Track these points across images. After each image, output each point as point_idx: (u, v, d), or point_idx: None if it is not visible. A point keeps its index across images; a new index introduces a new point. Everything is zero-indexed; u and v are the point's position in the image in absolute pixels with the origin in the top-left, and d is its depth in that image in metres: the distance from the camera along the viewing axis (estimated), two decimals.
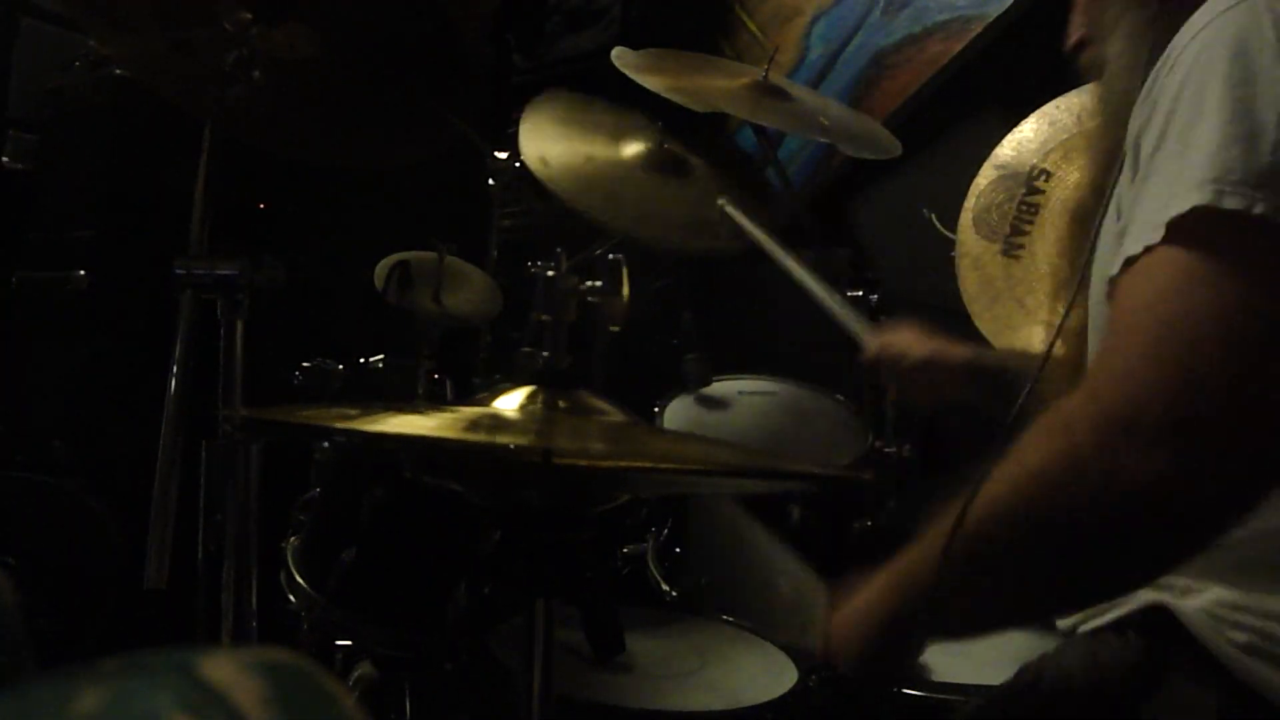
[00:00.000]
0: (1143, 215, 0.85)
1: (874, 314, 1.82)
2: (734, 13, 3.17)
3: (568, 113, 2.02)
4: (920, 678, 1.50)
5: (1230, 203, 0.80)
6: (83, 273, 2.55)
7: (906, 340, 1.60)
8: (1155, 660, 0.97)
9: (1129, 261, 0.84)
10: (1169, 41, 0.94)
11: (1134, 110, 0.95)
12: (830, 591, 1.05)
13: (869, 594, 0.99)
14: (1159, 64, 0.94)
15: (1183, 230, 0.81)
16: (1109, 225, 0.99)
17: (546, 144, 1.90)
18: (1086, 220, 1.04)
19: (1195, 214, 0.81)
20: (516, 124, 1.99)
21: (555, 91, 2.02)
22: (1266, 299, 0.79)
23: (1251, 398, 0.78)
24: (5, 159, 2.64)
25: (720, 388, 2.17)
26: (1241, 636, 0.93)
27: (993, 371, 1.51)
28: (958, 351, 1.58)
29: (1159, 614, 0.98)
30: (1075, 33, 1.22)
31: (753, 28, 3.14)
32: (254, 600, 1.38)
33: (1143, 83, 0.96)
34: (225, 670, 0.44)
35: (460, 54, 1.59)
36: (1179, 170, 0.83)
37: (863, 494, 1.94)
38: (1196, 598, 0.96)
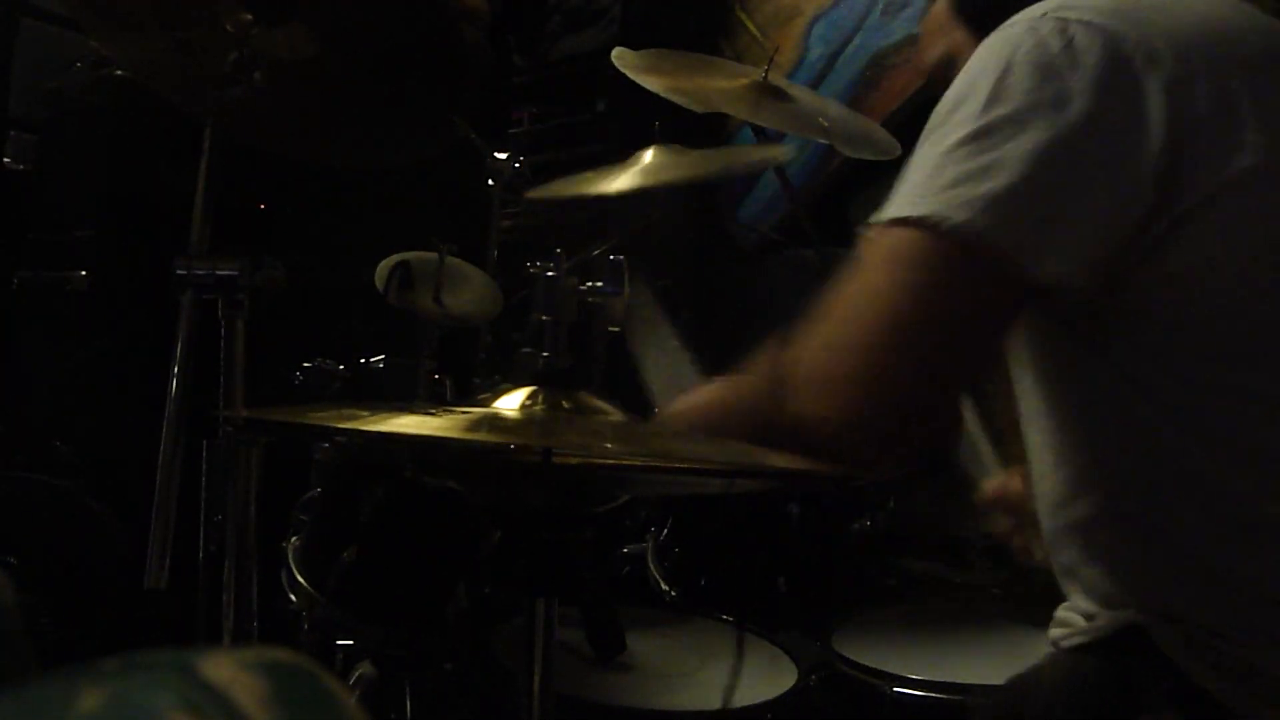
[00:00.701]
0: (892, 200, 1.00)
1: None
2: (734, 13, 3.18)
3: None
4: (920, 678, 1.50)
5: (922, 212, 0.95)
6: (83, 273, 2.55)
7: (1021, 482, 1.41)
8: (1134, 683, 0.98)
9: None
10: None
11: None
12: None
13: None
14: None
15: (894, 229, 0.98)
16: None
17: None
18: None
19: (909, 220, 0.96)
20: (517, 124, 1.99)
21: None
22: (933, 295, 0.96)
23: (900, 368, 0.95)
24: (5, 159, 2.64)
25: None
26: (1213, 657, 0.94)
27: None
28: None
29: (1135, 635, 0.99)
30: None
31: (752, 28, 3.14)
32: (254, 600, 1.38)
33: None
34: (226, 670, 0.44)
35: (460, 54, 1.60)
36: (920, 173, 0.98)
37: (862, 494, 1.95)
38: (1171, 624, 0.97)
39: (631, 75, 1.95)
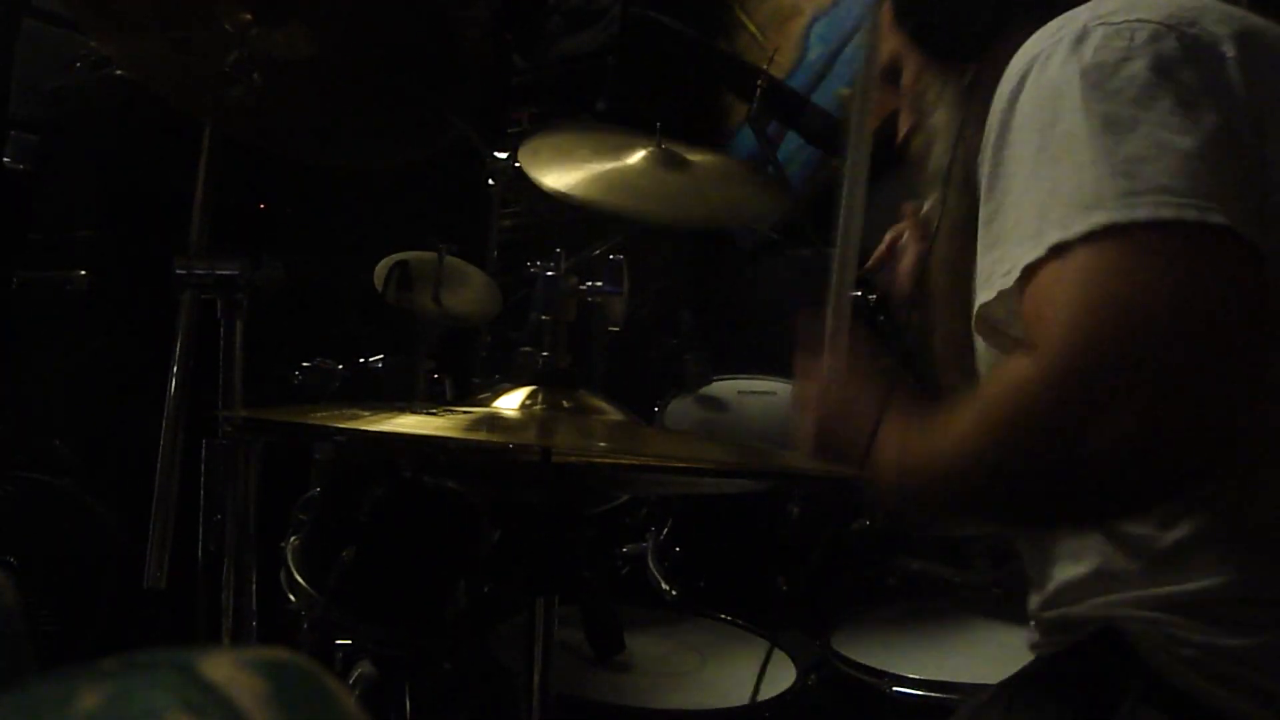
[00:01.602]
0: (1032, 222, 0.90)
1: (873, 313, 1.81)
2: (733, 13, 3.18)
3: (562, 146, 2.01)
4: (918, 677, 1.51)
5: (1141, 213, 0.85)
6: (83, 273, 2.55)
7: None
8: (1112, 685, 0.98)
9: (1046, 257, 0.88)
10: (986, 101, 1.00)
11: (984, 142, 1.00)
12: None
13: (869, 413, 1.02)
14: (1001, 89, 0.98)
15: (1101, 239, 0.86)
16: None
17: (553, 176, 1.90)
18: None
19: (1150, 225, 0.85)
20: (516, 124, 1.98)
21: (543, 134, 2.00)
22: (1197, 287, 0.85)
23: (1200, 355, 0.84)
24: (6, 159, 2.64)
25: (720, 388, 2.17)
26: (1188, 652, 0.94)
27: None
28: None
29: (1112, 637, 0.99)
30: (904, 126, 1.26)
31: (752, 28, 3.14)
32: (254, 600, 1.38)
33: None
34: (225, 669, 0.44)
35: (460, 53, 1.59)
36: (1075, 182, 0.89)
37: (862, 494, 1.95)
38: (1149, 625, 0.96)
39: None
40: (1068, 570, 1.05)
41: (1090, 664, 1.01)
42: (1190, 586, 0.95)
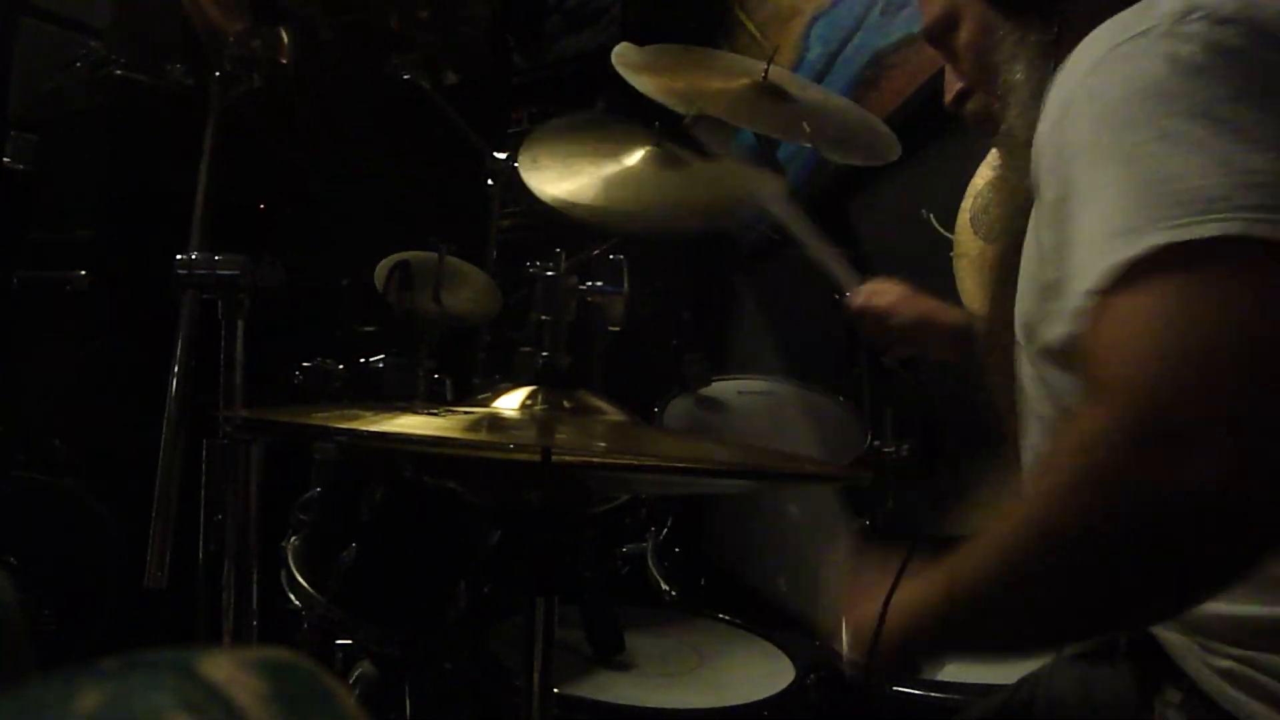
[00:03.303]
0: (1094, 250, 0.80)
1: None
2: (734, 13, 3.17)
3: (558, 152, 2.01)
4: (918, 678, 1.50)
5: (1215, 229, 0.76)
6: (83, 273, 2.56)
7: (893, 296, 1.60)
8: (1144, 689, 0.97)
9: (1111, 288, 0.78)
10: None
11: (1038, 142, 0.92)
12: (851, 585, 0.99)
13: (899, 597, 0.89)
14: (1054, 94, 0.90)
15: (1168, 259, 0.77)
16: (1027, 267, 0.96)
17: (552, 184, 1.91)
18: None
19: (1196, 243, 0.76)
20: (516, 124, 1.98)
21: (540, 131, 2.00)
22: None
23: None
24: (5, 159, 2.64)
25: (720, 388, 2.17)
26: (1224, 664, 0.91)
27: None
28: (950, 316, 1.57)
29: (1146, 641, 0.97)
30: (952, 88, 1.23)
31: (752, 28, 3.14)
32: (254, 600, 1.38)
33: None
34: (225, 669, 0.44)
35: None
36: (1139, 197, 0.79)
37: (862, 494, 1.95)
38: (1181, 632, 0.94)
39: (626, 75, 1.94)
40: None
41: (1125, 666, 1.00)
42: (1240, 610, 0.90)
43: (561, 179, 1.88)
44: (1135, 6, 0.88)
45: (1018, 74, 1.04)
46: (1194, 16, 0.83)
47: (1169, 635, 0.95)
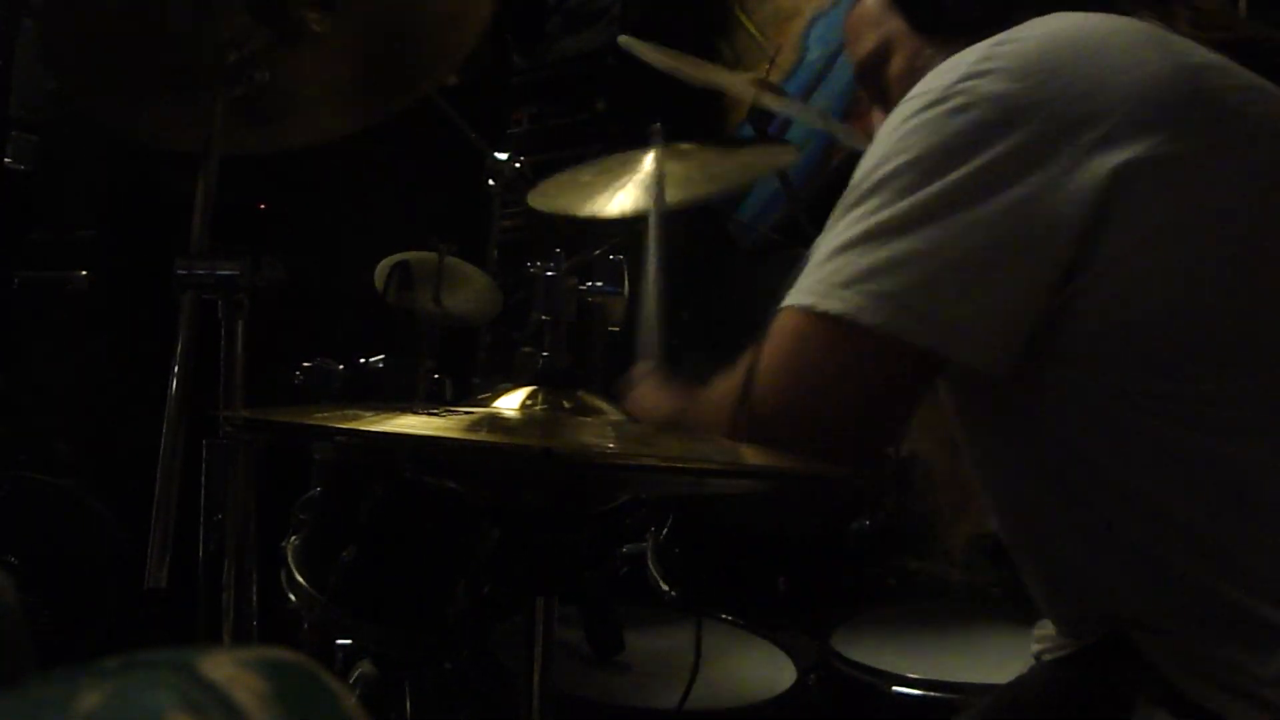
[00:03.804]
0: (806, 275, 1.05)
1: None
2: (733, 14, 3.18)
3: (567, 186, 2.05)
4: (919, 677, 1.51)
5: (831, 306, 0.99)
6: (83, 273, 2.56)
7: None
8: (1122, 691, 0.97)
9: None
10: None
11: None
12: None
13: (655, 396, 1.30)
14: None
15: (806, 315, 1.02)
16: None
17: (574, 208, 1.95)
18: None
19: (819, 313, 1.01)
20: (516, 124, 1.99)
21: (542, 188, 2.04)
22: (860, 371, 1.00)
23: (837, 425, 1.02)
24: (6, 159, 2.64)
25: None
26: (1200, 666, 0.92)
27: None
28: None
29: (1120, 645, 0.97)
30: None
31: (751, 28, 3.14)
32: (254, 600, 1.38)
33: None
34: (226, 668, 0.44)
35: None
36: (831, 260, 1.02)
37: (861, 494, 1.95)
38: (1154, 634, 0.95)
39: (638, 52, 1.96)
40: (1066, 588, 1.04)
41: (1099, 672, 1.00)
42: (1188, 599, 0.93)
43: (582, 204, 1.91)
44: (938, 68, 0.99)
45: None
46: (960, 84, 0.96)
47: (1143, 639, 0.95)
